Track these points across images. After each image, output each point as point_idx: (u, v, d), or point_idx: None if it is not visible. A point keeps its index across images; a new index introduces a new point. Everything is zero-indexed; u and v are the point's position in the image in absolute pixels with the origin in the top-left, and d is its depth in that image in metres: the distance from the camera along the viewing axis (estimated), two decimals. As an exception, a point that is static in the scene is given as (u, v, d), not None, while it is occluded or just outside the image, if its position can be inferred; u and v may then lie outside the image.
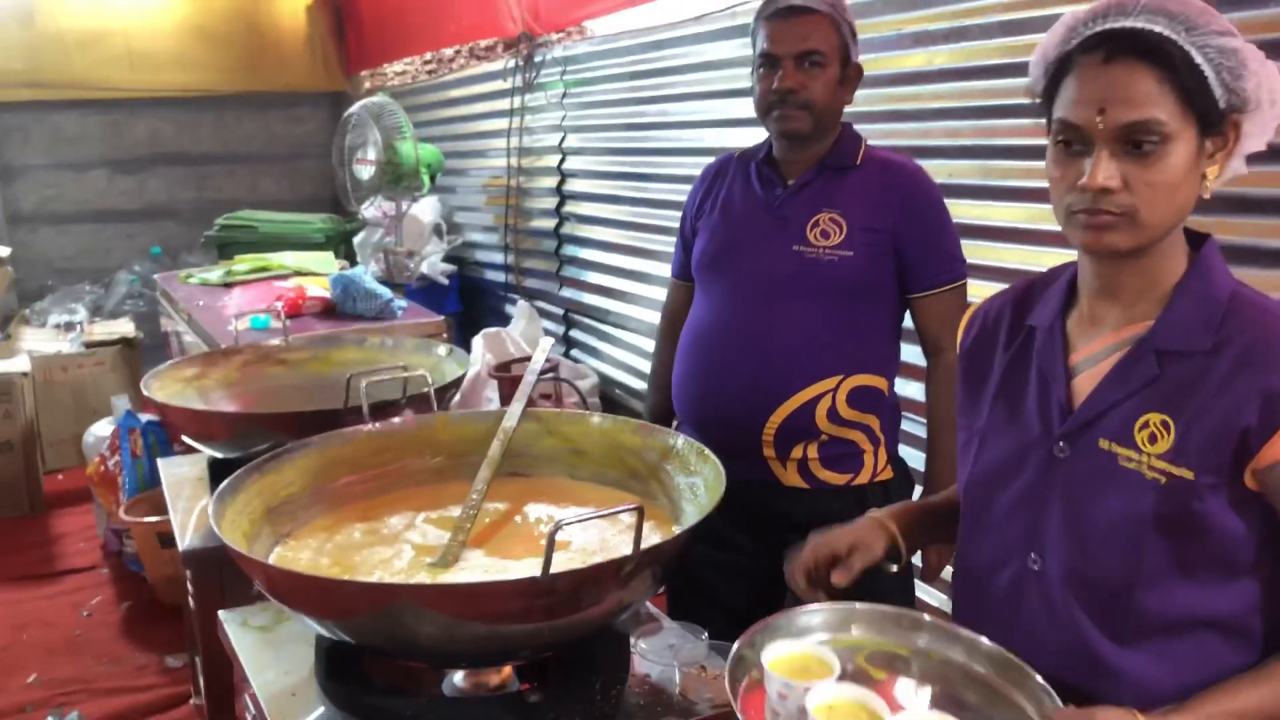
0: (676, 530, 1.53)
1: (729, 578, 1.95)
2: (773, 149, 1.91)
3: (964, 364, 1.37)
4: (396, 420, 1.83)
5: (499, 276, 4.96)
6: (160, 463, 2.50)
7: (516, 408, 1.80)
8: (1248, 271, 1.81)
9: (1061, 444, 1.20)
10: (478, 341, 4.01)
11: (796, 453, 1.83)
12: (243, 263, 4.40)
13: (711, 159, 3.37)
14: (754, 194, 1.91)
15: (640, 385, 3.85)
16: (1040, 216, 2.17)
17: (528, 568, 1.47)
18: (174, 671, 2.89)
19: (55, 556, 3.71)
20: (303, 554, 1.53)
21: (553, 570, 1.19)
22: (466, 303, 5.14)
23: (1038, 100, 1.19)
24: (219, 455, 2.23)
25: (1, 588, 3.44)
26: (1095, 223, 1.11)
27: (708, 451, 1.60)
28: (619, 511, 1.25)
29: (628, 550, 1.26)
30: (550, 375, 3.67)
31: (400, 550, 1.55)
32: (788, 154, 1.88)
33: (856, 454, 1.84)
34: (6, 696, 2.76)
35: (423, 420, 1.84)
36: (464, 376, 2.38)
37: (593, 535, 1.56)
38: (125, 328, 5.00)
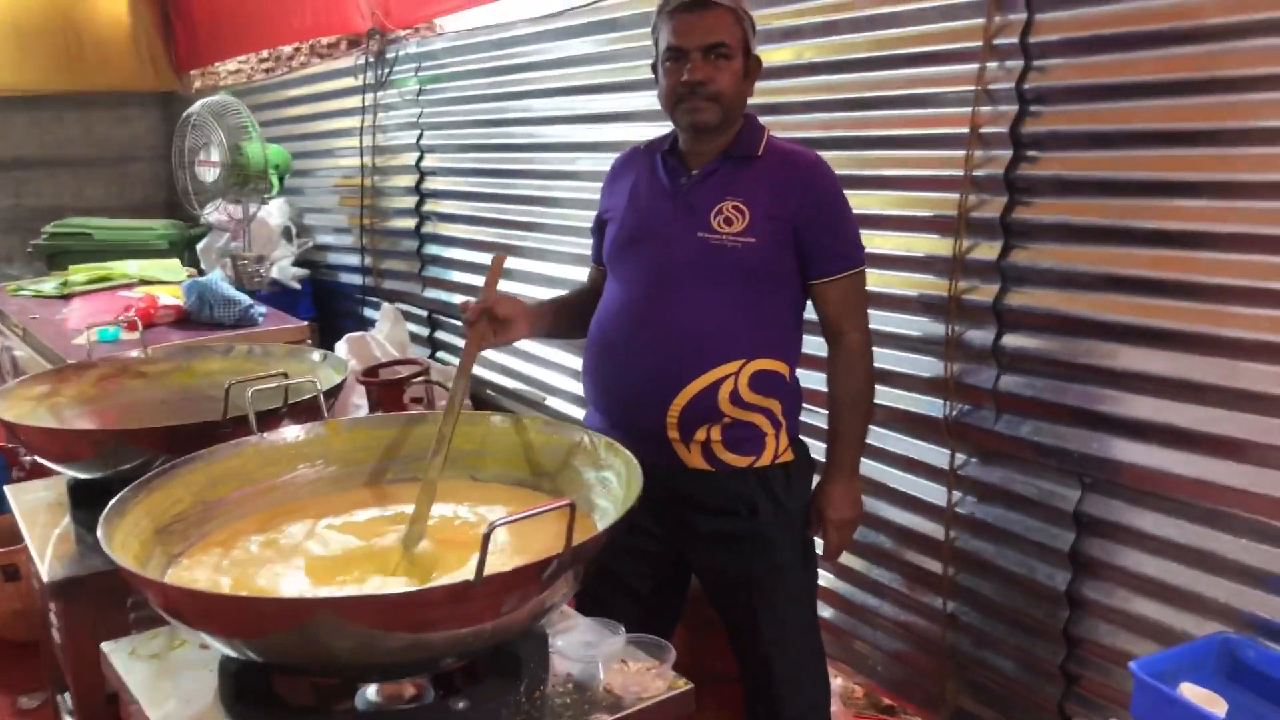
0: (594, 523, 1.53)
1: (632, 561, 1.97)
2: (678, 140, 1.93)
3: None
4: (286, 430, 1.75)
5: (355, 279, 4.81)
6: (8, 489, 2.32)
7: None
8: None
9: None
10: (341, 346, 3.89)
11: (700, 435, 1.85)
12: (80, 272, 4.12)
13: (579, 154, 3.42)
14: (660, 183, 1.93)
15: (511, 384, 3.81)
16: (912, 203, 2.25)
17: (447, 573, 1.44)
18: (30, 713, 2.70)
19: (-122, 598, 3.39)
20: (199, 573, 1.45)
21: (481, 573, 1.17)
22: (320, 307, 4.97)
23: None
24: (82, 476, 2.09)
25: None
26: None
27: (618, 445, 1.60)
28: (551, 509, 1.23)
29: (548, 551, 1.24)
30: (421, 379, 3.60)
31: (300, 563, 1.48)
32: (693, 145, 1.91)
33: (758, 436, 1.87)
34: None
35: (313, 429, 1.77)
36: (344, 383, 2.30)
37: (499, 535, 1.53)
38: (-59, 347, 4.61)
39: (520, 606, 1.27)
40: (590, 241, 2.16)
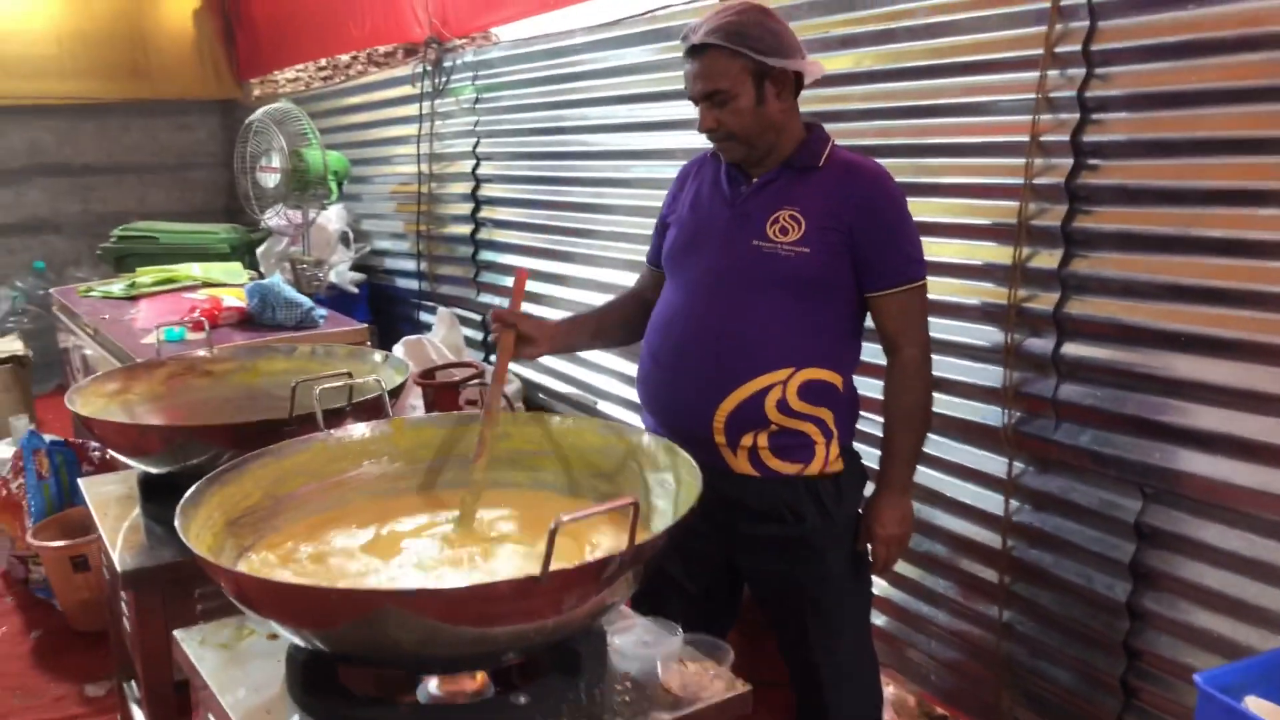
0: (652, 525, 1.55)
1: (684, 562, 1.97)
2: None
3: None
4: (353, 427, 1.79)
5: (411, 284, 4.89)
6: (82, 482, 2.38)
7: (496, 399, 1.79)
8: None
9: None
10: (398, 349, 3.95)
11: (747, 441, 1.86)
12: (147, 274, 4.23)
13: (632, 161, 3.45)
14: (721, 191, 1.95)
15: (564, 389, 3.85)
16: (972, 211, 2.25)
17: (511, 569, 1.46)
18: (96, 700, 2.77)
19: (-50, 588, 3.51)
20: (271, 565, 1.48)
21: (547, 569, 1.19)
22: (376, 311, 5.05)
23: None
24: (153, 470, 2.15)
25: (-107, 623, 3.23)
26: None
27: (677, 447, 1.61)
28: (615, 507, 1.25)
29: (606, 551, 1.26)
30: (476, 382, 3.64)
31: (376, 558, 1.52)
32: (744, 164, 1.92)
33: (808, 445, 1.87)
34: (-88, 738, 2.60)
35: (379, 427, 1.81)
36: (406, 382, 2.34)
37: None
38: (14, 346, 4.74)
39: (582, 604, 1.29)
40: (646, 243, 2.17)
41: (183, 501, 1.43)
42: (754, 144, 1.87)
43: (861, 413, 1.98)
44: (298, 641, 1.36)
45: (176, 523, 1.37)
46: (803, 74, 1.88)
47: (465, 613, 1.23)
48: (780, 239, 1.84)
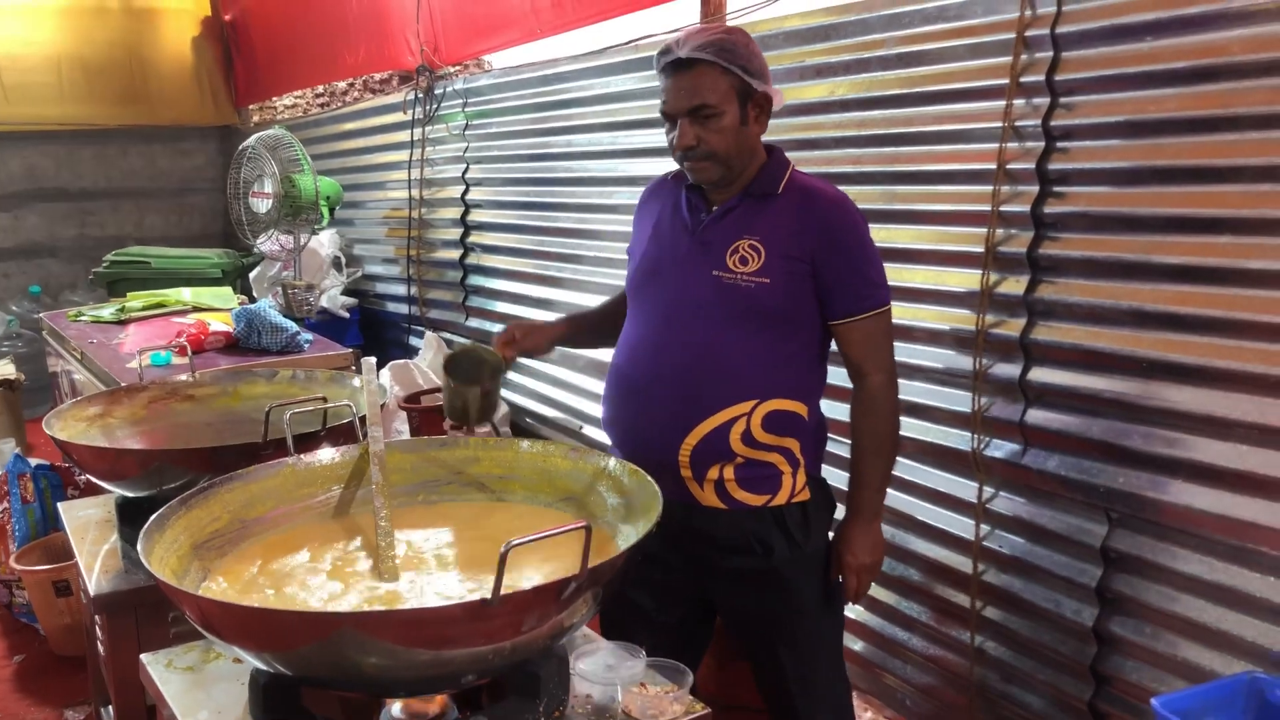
0: (618, 548, 1.56)
1: (655, 595, 1.96)
2: None
3: None
4: (322, 452, 1.80)
5: (401, 308, 4.92)
6: (61, 506, 2.40)
7: (377, 432, 1.81)
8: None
9: None
10: (385, 373, 3.97)
11: (713, 474, 1.84)
12: (137, 299, 4.26)
13: (617, 188, 3.48)
14: (681, 218, 1.93)
15: (551, 413, 3.86)
16: (941, 238, 2.27)
17: (469, 591, 1.48)
18: (75, 725, 2.77)
19: (-65, 612, 3.51)
20: (234, 589, 1.50)
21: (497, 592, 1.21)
22: (367, 335, 5.08)
23: None
24: (130, 495, 2.16)
25: (-122, 648, 3.24)
26: None
27: (641, 472, 1.62)
28: (566, 530, 1.26)
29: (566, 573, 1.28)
30: (461, 406, 3.66)
31: (337, 582, 1.53)
32: (710, 188, 1.91)
33: (774, 475, 1.86)
34: (-108, 761, 2.61)
35: (348, 451, 1.82)
36: (384, 407, 2.36)
37: (531, 558, 1.57)
38: (5, 369, 4.77)
39: (539, 626, 1.30)
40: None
41: (147, 526, 1.44)
42: (731, 165, 1.84)
43: (831, 436, 1.99)
44: (259, 665, 1.38)
45: (139, 546, 1.39)
46: (773, 101, 1.88)
47: (419, 634, 1.25)
48: (740, 269, 1.82)
